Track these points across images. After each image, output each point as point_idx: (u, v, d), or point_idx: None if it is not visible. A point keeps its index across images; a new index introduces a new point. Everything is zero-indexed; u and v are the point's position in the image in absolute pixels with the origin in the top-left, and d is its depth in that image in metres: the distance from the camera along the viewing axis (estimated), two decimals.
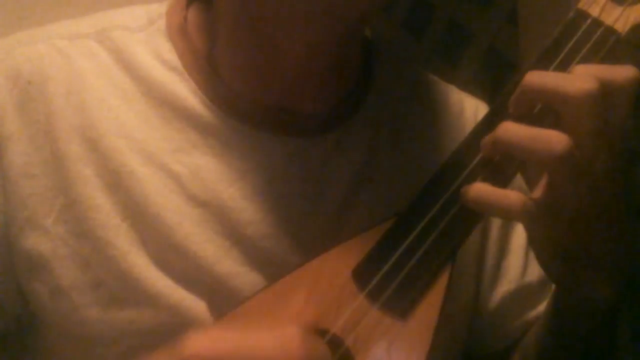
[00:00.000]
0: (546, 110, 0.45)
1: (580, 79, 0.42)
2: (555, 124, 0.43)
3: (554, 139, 0.41)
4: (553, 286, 0.59)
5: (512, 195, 0.44)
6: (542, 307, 0.63)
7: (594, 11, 0.47)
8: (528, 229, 0.48)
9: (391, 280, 0.48)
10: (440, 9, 1.21)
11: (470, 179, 0.47)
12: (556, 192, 0.43)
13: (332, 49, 0.53)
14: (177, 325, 0.49)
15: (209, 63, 0.53)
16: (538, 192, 0.45)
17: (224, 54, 0.53)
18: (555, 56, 0.47)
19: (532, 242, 0.49)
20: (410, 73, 0.64)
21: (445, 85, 0.65)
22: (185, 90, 0.52)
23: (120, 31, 0.53)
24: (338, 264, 0.49)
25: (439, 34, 1.20)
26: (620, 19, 0.47)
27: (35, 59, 0.51)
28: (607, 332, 0.52)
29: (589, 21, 0.47)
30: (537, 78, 0.43)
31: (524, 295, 0.63)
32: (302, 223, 0.53)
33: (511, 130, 0.43)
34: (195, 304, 0.50)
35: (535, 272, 0.63)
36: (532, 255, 0.63)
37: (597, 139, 0.42)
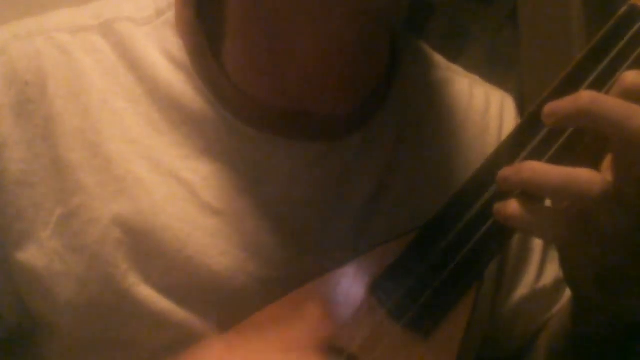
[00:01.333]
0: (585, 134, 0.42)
1: None
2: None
3: (588, 182, 0.38)
4: (568, 292, 0.58)
5: (553, 216, 0.41)
6: (554, 311, 0.61)
7: None
8: (564, 250, 0.45)
9: (414, 298, 0.45)
10: (440, 9, 1.20)
11: (502, 193, 0.43)
12: (594, 224, 0.40)
13: (354, 43, 0.48)
14: (183, 346, 0.46)
15: (220, 64, 0.50)
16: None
17: (233, 53, 0.49)
18: (603, 57, 0.43)
19: (565, 262, 0.46)
20: (432, 67, 0.60)
21: (470, 78, 0.61)
22: (194, 92, 0.48)
23: (126, 23, 0.49)
24: (357, 277, 0.46)
25: (439, 34, 1.20)
26: None
27: (33, 57, 0.47)
28: (627, 341, 0.51)
29: None
30: (598, 102, 0.38)
31: (538, 299, 0.61)
32: (322, 231, 0.50)
33: (539, 171, 0.40)
34: (201, 324, 0.47)
35: (549, 275, 0.61)
36: (547, 258, 0.62)
37: None
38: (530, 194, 0.42)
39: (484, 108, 0.59)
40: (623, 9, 0.43)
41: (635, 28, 0.42)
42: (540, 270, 0.62)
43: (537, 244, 0.62)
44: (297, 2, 0.45)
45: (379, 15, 0.46)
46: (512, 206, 0.42)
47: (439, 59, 0.61)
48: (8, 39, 0.48)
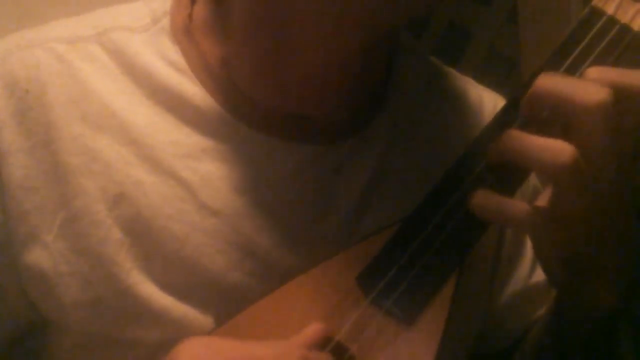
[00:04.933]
0: (555, 115, 0.44)
1: (594, 87, 0.41)
2: (564, 131, 0.42)
3: (559, 149, 0.40)
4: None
5: (516, 204, 0.43)
6: (546, 307, 0.62)
7: (609, 9, 0.46)
8: (532, 237, 0.46)
9: (396, 286, 0.47)
10: (440, 9, 1.21)
11: (477, 184, 0.46)
12: (562, 202, 0.42)
13: (359, 53, 0.50)
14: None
15: (219, 65, 0.51)
16: (543, 200, 0.44)
17: (237, 56, 0.51)
18: (568, 55, 0.46)
19: (536, 249, 0.48)
20: (427, 67, 0.61)
21: (464, 80, 0.62)
22: (193, 93, 0.50)
23: (122, 32, 0.51)
24: (343, 269, 0.48)
25: (439, 34, 1.20)
26: (636, 18, 0.46)
27: (32, 66, 0.48)
28: (608, 336, 0.52)
29: (604, 19, 0.46)
30: (549, 83, 0.42)
31: (530, 295, 0.63)
32: (316, 231, 0.51)
33: (516, 138, 0.42)
34: (201, 319, 0.48)
35: (542, 272, 0.63)
36: None
37: (607, 149, 0.41)
38: (503, 183, 0.45)
39: (478, 108, 0.60)
40: (585, 11, 0.46)
41: (596, 28, 0.46)
42: (532, 266, 0.63)
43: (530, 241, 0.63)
44: (308, 13, 0.46)
45: (387, 27, 0.48)
46: (480, 194, 0.44)
47: (433, 61, 0.62)
48: (9, 50, 0.49)
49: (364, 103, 0.54)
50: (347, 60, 0.50)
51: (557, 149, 0.41)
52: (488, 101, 0.61)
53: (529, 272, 0.63)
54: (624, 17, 0.46)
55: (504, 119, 0.47)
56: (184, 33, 0.51)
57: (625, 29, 0.46)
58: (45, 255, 0.47)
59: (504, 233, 0.61)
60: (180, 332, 0.48)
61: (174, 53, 0.50)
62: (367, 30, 0.47)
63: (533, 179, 0.62)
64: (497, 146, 0.44)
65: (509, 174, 0.46)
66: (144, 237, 0.48)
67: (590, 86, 0.41)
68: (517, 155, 0.43)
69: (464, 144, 0.58)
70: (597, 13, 0.46)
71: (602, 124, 0.40)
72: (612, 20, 0.46)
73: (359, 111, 0.54)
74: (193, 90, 0.50)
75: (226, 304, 0.49)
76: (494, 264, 0.61)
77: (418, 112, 0.57)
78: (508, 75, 1.14)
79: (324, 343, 0.45)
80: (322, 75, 0.50)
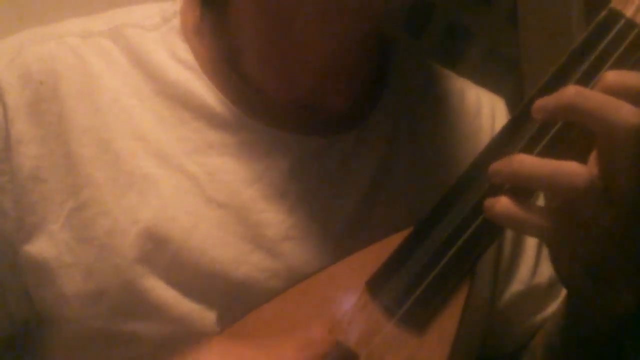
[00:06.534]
0: (573, 128, 0.43)
1: (630, 110, 0.39)
2: (577, 141, 0.42)
3: (573, 174, 0.40)
4: (564, 291, 0.58)
5: (540, 214, 0.42)
6: (550, 309, 0.62)
7: (628, 11, 0.44)
8: (552, 246, 0.46)
9: (408, 293, 0.46)
10: (440, 9, 1.21)
11: (493, 190, 0.45)
12: (580, 217, 0.41)
13: (360, 43, 0.52)
14: (184, 337, 0.48)
15: (227, 61, 0.52)
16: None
17: (244, 51, 0.52)
18: (585, 59, 0.44)
19: (555, 258, 0.47)
20: (424, 68, 0.62)
21: (461, 81, 0.63)
22: (202, 89, 0.51)
23: (134, 29, 0.52)
24: (352, 273, 0.47)
25: (439, 34, 1.20)
26: None
27: (47, 59, 0.50)
28: (620, 336, 0.51)
29: (622, 22, 0.44)
30: (582, 97, 0.40)
31: (532, 297, 0.62)
32: (323, 224, 0.51)
33: (527, 164, 0.41)
34: (204, 315, 0.48)
35: (545, 273, 0.62)
36: (543, 255, 0.63)
37: (632, 169, 0.40)
38: (520, 190, 0.43)
39: (476, 109, 0.61)
40: (603, 13, 0.44)
41: (615, 31, 0.44)
42: (534, 267, 0.63)
43: (531, 241, 0.63)
44: (313, 7, 0.47)
45: (385, 9, 0.48)
46: (500, 203, 0.43)
47: (431, 63, 0.63)
48: (24, 43, 0.50)
49: (361, 95, 0.55)
50: (349, 50, 0.51)
51: (570, 173, 0.40)
52: (486, 102, 0.62)
53: (530, 273, 0.62)
54: None
55: (516, 126, 0.46)
56: (194, 32, 0.53)
57: None
58: (49, 245, 0.48)
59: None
60: (181, 328, 0.48)
61: (184, 51, 0.52)
62: (370, 16, 0.48)
63: None
64: (508, 170, 0.43)
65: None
66: (150, 228, 0.48)
67: (625, 108, 0.40)
68: (529, 181, 0.42)
69: (463, 142, 0.58)
70: (615, 15, 0.44)
71: (634, 148, 0.39)
72: (631, 24, 0.44)
73: (356, 103, 0.55)
74: (201, 86, 0.51)
75: (231, 301, 0.49)
76: (495, 265, 0.60)
77: (417, 111, 0.58)
78: (508, 76, 1.14)
79: (333, 348, 0.45)
80: (326, 66, 0.51)
